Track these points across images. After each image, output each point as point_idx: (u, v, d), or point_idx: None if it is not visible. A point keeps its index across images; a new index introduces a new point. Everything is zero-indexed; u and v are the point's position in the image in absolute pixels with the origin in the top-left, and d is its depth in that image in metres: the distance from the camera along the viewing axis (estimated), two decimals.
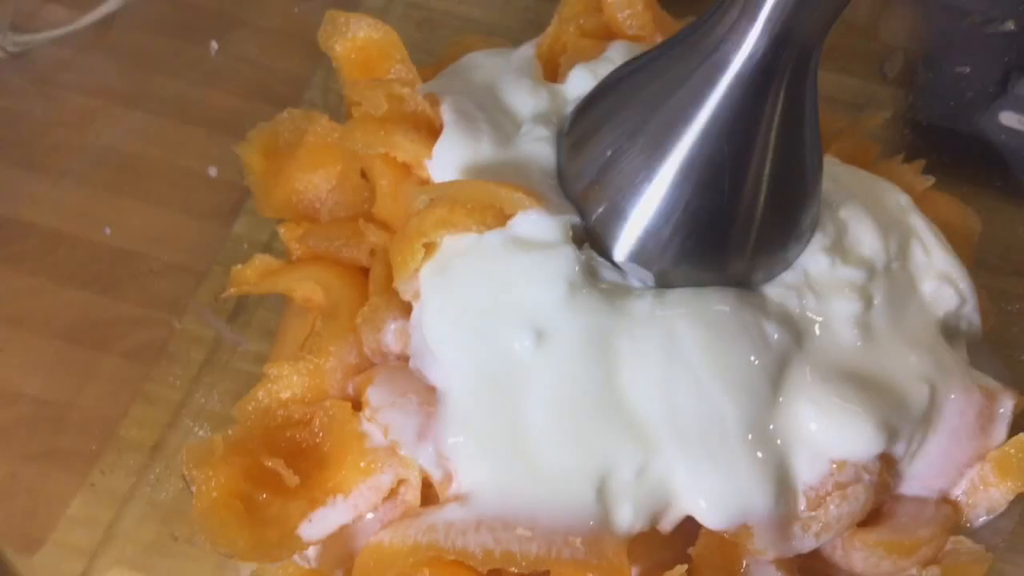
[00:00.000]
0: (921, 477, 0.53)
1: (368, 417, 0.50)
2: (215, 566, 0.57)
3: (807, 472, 0.49)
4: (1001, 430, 0.53)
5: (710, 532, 0.49)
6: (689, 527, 0.50)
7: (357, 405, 0.51)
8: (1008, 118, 0.75)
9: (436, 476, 0.48)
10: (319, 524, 0.49)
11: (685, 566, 0.47)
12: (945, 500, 0.54)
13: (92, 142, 0.68)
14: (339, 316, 0.54)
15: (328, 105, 0.74)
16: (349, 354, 0.53)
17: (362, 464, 0.49)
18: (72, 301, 0.64)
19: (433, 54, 0.81)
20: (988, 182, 0.72)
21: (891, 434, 0.50)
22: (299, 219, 0.61)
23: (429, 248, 0.51)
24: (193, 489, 0.49)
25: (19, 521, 0.59)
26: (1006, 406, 0.53)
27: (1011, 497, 0.54)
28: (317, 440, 0.51)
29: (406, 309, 0.53)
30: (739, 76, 0.45)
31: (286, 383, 0.53)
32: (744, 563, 0.49)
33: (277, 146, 0.62)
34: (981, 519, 0.55)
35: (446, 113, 0.55)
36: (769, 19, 0.43)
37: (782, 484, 0.48)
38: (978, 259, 0.66)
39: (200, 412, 0.62)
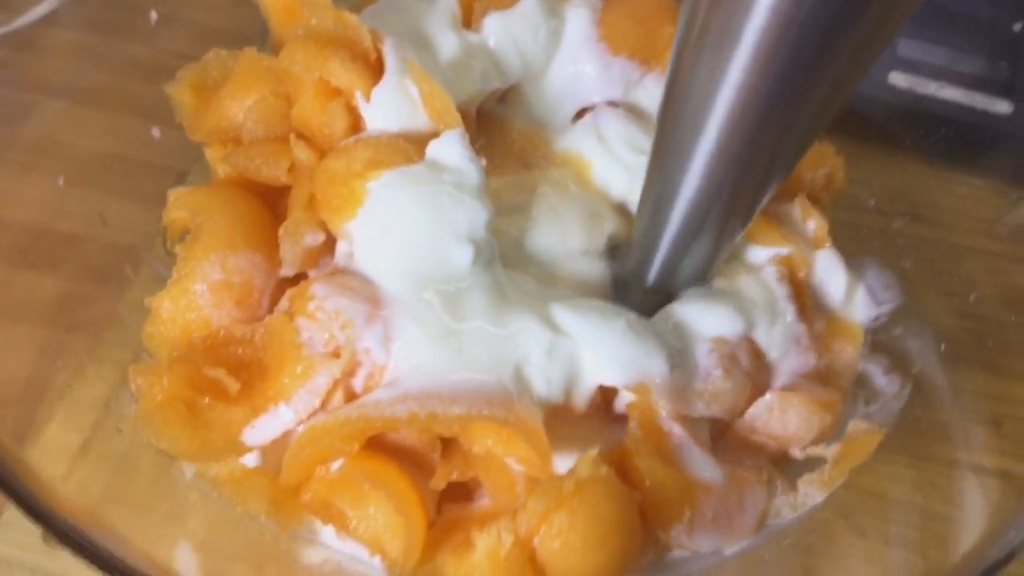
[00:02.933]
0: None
1: (313, 310, 0.53)
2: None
3: (701, 356, 0.58)
4: None
5: (638, 418, 0.55)
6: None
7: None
8: (897, 79, 0.82)
9: (379, 358, 0.52)
10: (262, 430, 0.52)
11: (597, 448, 0.52)
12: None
13: (30, 134, 0.69)
14: (200, 238, 0.57)
15: None
16: (212, 272, 0.56)
17: (299, 369, 0.52)
18: (19, 281, 0.66)
19: None
20: (877, 137, 0.79)
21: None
22: (225, 143, 0.63)
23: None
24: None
25: None
26: None
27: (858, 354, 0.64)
28: (259, 355, 0.54)
29: (322, 224, 0.57)
30: None
31: (164, 310, 0.56)
32: (673, 444, 0.55)
33: (205, 83, 0.65)
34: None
35: (390, 55, 0.59)
36: None
37: (672, 358, 0.56)
38: (859, 202, 0.74)
39: None
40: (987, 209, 0.76)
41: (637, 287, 0.61)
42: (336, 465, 0.52)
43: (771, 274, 0.63)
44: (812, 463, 0.60)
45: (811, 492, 0.59)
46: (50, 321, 0.65)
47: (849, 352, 0.65)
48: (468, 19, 0.66)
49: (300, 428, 0.53)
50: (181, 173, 0.73)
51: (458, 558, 0.50)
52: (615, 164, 0.66)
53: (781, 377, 0.62)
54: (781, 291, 0.63)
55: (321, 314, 0.53)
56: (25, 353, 0.63)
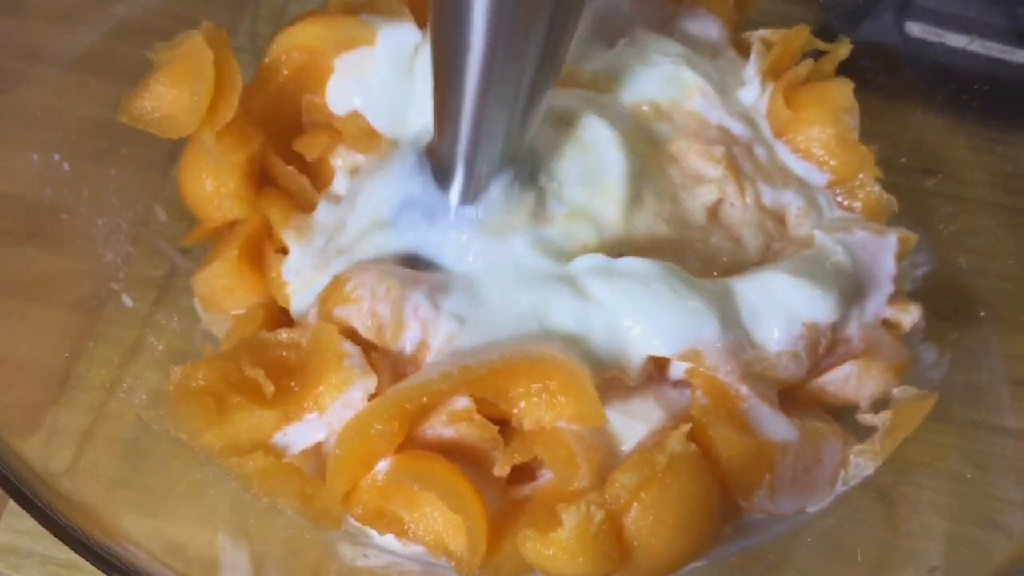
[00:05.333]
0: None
1: (350, 291, 0.53)
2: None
3: (781, 331, 0.55)
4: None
5: (704, 385, 0.53)
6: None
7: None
8: (913, 28, 0.80)
9: (429, 314, 0.52)
10: (294, 438, 0.51)
11: (689, 424, 0.51)
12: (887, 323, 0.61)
13: (18, 103, 0.66)
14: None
15: (256, 51, 0.73)
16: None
17: (334, 380, 0.51)
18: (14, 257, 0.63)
19: None
20: (895, 88, 0.77)
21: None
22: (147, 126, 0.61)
23: None
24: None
25: None
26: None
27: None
28: (304, 361, 0.53)
29: None
30: None
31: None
32: (743, 408, 0.53)
33: None
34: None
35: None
36: None
37: (725, 318, 0.54)
38: (886, 159, 0.71)
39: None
40: (1009, 164, 0.74)
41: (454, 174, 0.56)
42: (384, 469, 0.50)
43: (889, 246, 0.61)
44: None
45: (863, 463, 0.57)
46: (47, 299, 0.63)
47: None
48: None
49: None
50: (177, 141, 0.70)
51: (543, 535, 0.47)
52: (647, 69, 0.64)
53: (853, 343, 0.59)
54: (889, 269, 0.60)
55: (362, 290, 0.52)
56: (26, 333, 0.61)
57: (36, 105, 0.66)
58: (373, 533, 0.53)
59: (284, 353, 0.54)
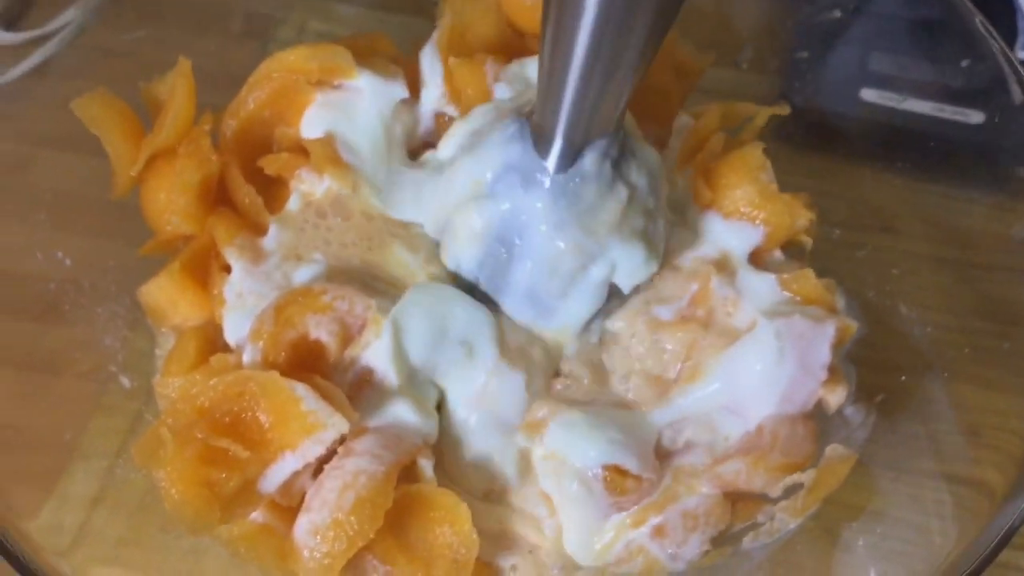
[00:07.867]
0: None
1: (330, 300, 0.59)
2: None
3: None
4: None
5: None
6: None
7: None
8: (867, 94, 0.83)
9: None
10: (273, 479, 0.55)
11: None
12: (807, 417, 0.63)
13: (32, 184, 0.70)
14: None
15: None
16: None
17: (310, 421, 0.54)
18: (24, 332, 0.67)
19: None
20: (852, 152, 0.81)
21: None
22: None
23: None
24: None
25: None
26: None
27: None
28: (254, 409, 0.55)
29: None
30: None
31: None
32: None
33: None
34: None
35: None
36: None
37: None
38: (842, 221, 0.75)
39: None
40: (963, 220, 0.77)
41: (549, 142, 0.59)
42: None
43: (827, 335, 0.62)
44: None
45: (785, 519, 0.61)
46: (56, 369, 0.67)
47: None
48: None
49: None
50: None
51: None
52: None
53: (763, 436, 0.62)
54: (823, 358, 0.62)
55: (340, 303, 0.58)
56: (40, 404, 0.65)
57: (45, 187, 0.71)
58: None
59: (234, 407, 0.55)
